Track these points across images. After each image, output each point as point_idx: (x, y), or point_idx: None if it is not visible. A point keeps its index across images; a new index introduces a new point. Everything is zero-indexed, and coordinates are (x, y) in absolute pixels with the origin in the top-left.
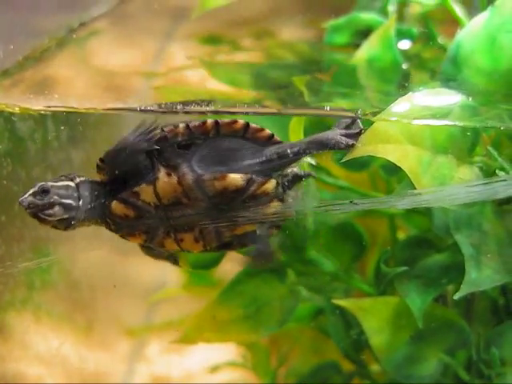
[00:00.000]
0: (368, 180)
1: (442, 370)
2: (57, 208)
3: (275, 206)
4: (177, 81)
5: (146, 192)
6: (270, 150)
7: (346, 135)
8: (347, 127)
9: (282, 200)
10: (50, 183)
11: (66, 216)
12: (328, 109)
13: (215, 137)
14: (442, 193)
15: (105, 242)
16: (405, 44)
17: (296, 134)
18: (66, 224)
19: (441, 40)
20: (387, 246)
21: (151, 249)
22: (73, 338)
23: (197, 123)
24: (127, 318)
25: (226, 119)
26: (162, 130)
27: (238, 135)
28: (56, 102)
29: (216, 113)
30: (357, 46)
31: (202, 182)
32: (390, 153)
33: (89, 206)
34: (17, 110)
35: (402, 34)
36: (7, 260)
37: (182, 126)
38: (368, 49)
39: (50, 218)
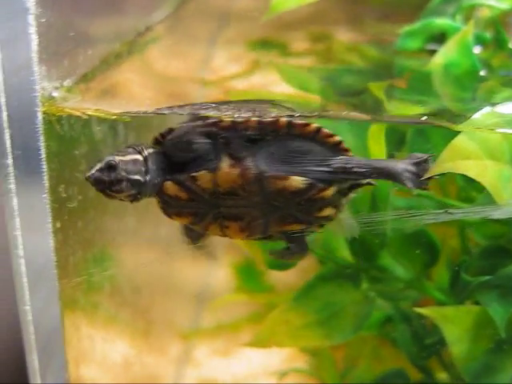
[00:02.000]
0: (438, 186)
1: None
2: (124, 184)
3: (328, 211)
4: (231, 87)
5: (204, 178)
6: (337, 163)
7: (415, 174)
8: (418, 164)
9: (336, 206)
10: (117, 158)
11: (133, 192)
12: (425, 118)
13: (285, 136)
14: None
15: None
16: (476, 49)
17: (376, 140)
18: (132, 198)
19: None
20: (455, 255)
21: (192, 231)
22: (128, 341)
23: (270, 119)
24: (176, 321)
25: (298, 120)
26: (233, 122)
27: (307, 138)
28: (123, 106)
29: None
30: (428, 51)
31: (264, 179)
32: (470, 169)
33: (155, 181)
34: (91, 113)
35: (473, 39)
36: (81, 265)
37: (254, 119)
38: (445, 54)
39: (117, 195)
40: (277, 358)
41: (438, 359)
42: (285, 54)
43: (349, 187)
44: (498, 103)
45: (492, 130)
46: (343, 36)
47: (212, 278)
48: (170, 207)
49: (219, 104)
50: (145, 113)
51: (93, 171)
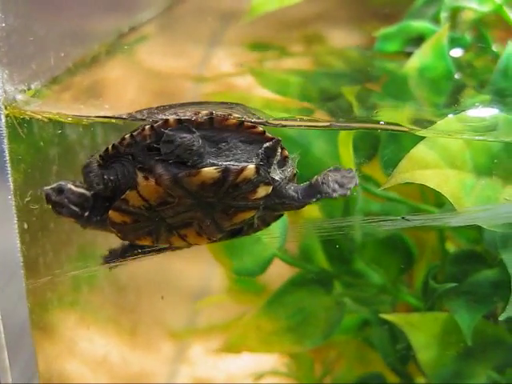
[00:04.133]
0: (418, 191)
1: None
2: (64, 210)
3: (263, 190)
4: (224, 87)
5: (132, 197)
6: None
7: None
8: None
9: (268, 183)
10: (68, 185)
11: (72, 219)
12: (383, 123)
13: None
14: (497, 210)
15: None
16: (457, 52)
17: (345, 146)
18: (79, 224)
19: (495, 48)
20: (435, 259)
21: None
22: (118, 340)
23: (160, 123)
24: (171, 321)
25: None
26: (132, 135)
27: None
28: (104, 109)
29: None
30: (407, 54)
31: (180, 180)
32: (430, 179)
33: (98, 218)
34: (68, 119)
35: (454, 42)
36: (55, 265)
37: (147, 127)
38: (420, 58)
39: (60, 215)
40: (272, 359)
41: (415, 364)
42: (281, 55)
43: (277, 161)
44: (464, 109)
45: (451, 135)
46: (341, 37)
47: (211, 279)
48: (125, 234)
49: (171, 107)
50: (104, 117)
51: (47, 187)
